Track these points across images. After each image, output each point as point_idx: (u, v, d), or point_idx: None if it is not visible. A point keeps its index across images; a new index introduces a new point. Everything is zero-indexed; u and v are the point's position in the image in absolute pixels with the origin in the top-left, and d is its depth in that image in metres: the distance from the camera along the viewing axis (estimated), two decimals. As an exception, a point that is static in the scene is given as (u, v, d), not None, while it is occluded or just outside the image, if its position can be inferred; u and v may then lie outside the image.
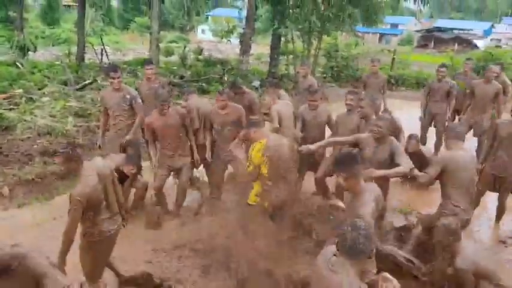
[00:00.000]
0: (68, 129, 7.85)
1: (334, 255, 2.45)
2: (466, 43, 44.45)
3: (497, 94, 6.99)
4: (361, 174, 3.25)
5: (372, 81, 8.01)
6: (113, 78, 5.59)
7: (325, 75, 16.96)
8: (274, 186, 4.11)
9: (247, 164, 4.20)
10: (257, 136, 4.23)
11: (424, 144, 7.37)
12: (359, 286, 2.34)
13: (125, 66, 14.17)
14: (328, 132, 5.94)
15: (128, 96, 5.69)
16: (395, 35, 55.00)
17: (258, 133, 4.26)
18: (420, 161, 4.62)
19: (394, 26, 54.08)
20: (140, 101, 5.81)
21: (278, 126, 5.55)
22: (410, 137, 4.59)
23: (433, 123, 7.76)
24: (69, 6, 52.13)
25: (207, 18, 53.71)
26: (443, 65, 7.69)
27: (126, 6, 52.49)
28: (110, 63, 14.45)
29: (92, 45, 15.97)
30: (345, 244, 2.36)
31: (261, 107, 6.17)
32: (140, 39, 38.08)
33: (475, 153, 6.28)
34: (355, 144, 4.66)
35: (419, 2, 13.77)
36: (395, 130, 5.15)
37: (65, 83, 10.76)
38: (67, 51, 15.56)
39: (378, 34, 49.90)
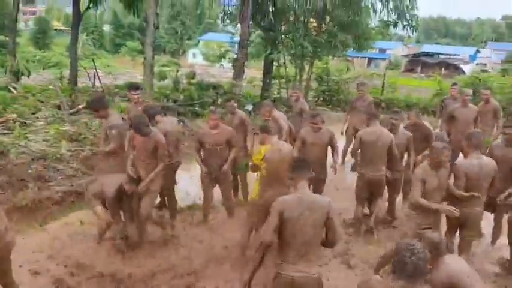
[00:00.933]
0: (62, 154, 7.79)
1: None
2: (452, 68, 45.38)
3: (476, 118, 7.32)
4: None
5: (360, 104, 8.42)
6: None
7: (317, 99, 17.14)
8: (271, 187, 4.67)
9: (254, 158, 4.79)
10: (265, 140, 4.81)
11: None
12: None
13: (116, 90, 14.20)
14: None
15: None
16: (384, 59, 55.97)
17: (267, 138, 4.81)
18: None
19: (382, 50, 55.06)
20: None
21: (284, 126, 6.24)
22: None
23: None
24: (60, 30, 52.46)
25: (198, 42, 54.28)
26: (455, 83, 8.47)
27: (117, 31, 52.93)
28: (102, 87, 14.48)
29: (85, 69, 15.99)
30: (405, 268, 2.53)
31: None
32: (131, 63, 38.29)
33: None
34: None
35: (409, 29, 14.05)
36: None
37: (59, 107, 10.72)
38: (59, 75, 15.56)
39: (367, 58, 50.74)
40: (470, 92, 7.85)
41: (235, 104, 6.92)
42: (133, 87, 6.50)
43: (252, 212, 4.96)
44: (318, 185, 5.86)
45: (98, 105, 5.46)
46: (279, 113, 6.84)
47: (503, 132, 5.56)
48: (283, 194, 4.17)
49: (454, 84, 8.65)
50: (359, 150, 5.84)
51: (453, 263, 3.36)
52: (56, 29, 50.28)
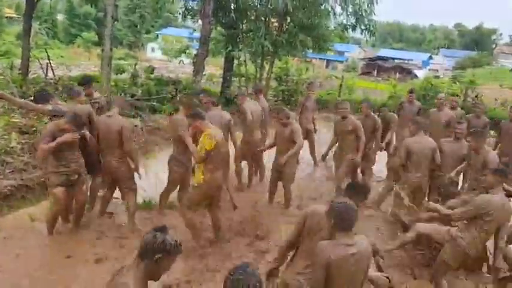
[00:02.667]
0: (12, 147, 7.46)
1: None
2: (406, 72, 46.95)
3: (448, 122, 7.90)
4: None
5: (309, 104, 9.35)
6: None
7: (276, 98, 17.27)
8: (219, 168, 5.18)
9: (199, 149, 5.02)
10: (203, 126, 5.12)
11: None
12: None
13: (71, 82, 13.72)
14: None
15: None
16: (341, 61, 57.20)
17: (204, 124, 5.14)
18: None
19: (340, 53, 56.23)
20: None
21: (251, 118, 7.17)
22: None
23: None
24: (11, 18, 50.08)
25: (157, 36, 53.40)
26: (411, 90, 9.17)
27: (72, 21, 51.15)
28: (56, 78, 13.96)
29: (38, 59, 15.36)
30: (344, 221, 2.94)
31: None
32: (86, 55, 37.15)
33: None
34: None
35: (366, 33, 14.39)
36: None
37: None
38: (10, 65, 14.88)
39: (325, 60, 51.66)
40: (443, 95, 9.04)
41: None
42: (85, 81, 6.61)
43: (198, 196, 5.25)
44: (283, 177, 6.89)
45: (40, 99, 5.67)
46: (251, 101, 7.80)
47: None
48: (224, 178, 5.38)
49: (411, 92, 9.20)
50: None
51: None
52: (6, 17, 47.93)
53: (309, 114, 9.32)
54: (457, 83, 18.18)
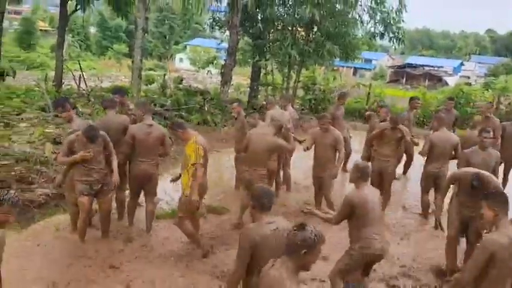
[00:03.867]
0: (46, 156, 7.70)
1: None
2: (436, 79, 46.14)
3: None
4: None
5: (339, 113, 9.02)
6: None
7: (303, 107, 17.24)
8: (204, 176, 5.17)
9: (197, 157, 4.96)
10: (188, 135, 5.17)
11: None
12: None
13: (103, 93, 14.07)
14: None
15: None
16: (369, 69, 56.68)
17: (187, 133, 5.21)
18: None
19: (368, 61, 55.72)
20: None
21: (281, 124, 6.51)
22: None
23: None
24: (45, 31, 51.88)
25: (185, 47, 54.25)
26: (452, 98, 9.47)
27: (104, 33, 52.56)
28: (88, 89, 14.36)
29: (71, 71, 15.85)
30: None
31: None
32: (116, 66, 38.08)
33: None
34: None
35: (395, 41, 14.27)
36: None
37: (43, 109, 10.61)
38: (44, 76, 15.39)
39: (353, 68, 51.28)
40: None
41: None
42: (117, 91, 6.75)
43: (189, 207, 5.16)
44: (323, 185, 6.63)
45: (58, 106, 5.94)
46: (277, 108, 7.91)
47: None
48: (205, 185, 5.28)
49: (451, 99, 9.56)
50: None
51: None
52: (41, 30, 49.72)
53: (341, 122, 9.12)
54: (490, 90, 17.75)
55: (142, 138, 5.68)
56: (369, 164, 5.12)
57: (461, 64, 61.58)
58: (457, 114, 9.32)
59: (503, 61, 59.51)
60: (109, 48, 47.28)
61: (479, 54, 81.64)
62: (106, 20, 51.51)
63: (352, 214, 4.15)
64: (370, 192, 4.30)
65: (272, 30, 14.39)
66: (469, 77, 49.98)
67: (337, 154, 6.52)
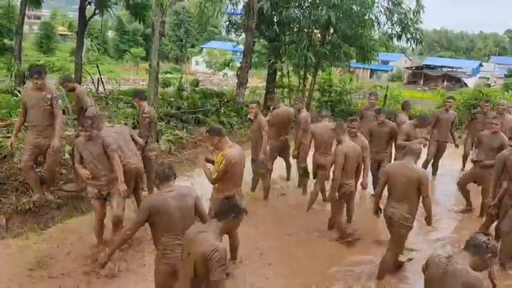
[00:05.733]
0: (65, 159, 7.81)
1: None
2: (454, 81, 45.53)
3: None
4: None
5: (369, 113, 8.71)
6: (36, 79, 5.96)
7: (319, 109, 17.17)
8: (229, 189, 4.75)
9: (215, 171, 4.78)
10: (221, 145, 4.83)
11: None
12: None
13: (121, 96, 14.23)
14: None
15: (49, 96, 6.06)
16: (386, 71, 56.17)
17: (221, 142, 4.84)
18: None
19: (385, 62, 55.23)
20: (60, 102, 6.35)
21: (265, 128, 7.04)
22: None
23: None
24: (64, 35, 52.74)
25: (201, 50, 54.53)
26: (488, 100, 9.69)
27: (121, 37, 53.17)
28: (106, 93, 14.54)
29: (90, 74, 16.07)
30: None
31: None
32: (134, 69, 38.46)
33: None
34: None
35: (412, 42, 14.12)
36: None
37: (63, 112, 10.74)
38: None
39: (369, 70, 50.89)
40: (505, 102, 9.57)
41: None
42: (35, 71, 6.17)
43: None
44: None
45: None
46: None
47: None
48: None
49: (487, 101, 9.74)
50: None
51: None
52: (60, 35, 50.55)
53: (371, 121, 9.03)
54: (509, 91, 17.44)
55: (115, 138, 5.66)
56: None
57: (480, 65, 60.58)
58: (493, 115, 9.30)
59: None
60: (127, 52, 47.75)
61: (498, 55, 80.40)
62: (124, 24, 52.10)
63: None
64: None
65: (288, 32, 14.38)
66: (488, 78, 49.19)
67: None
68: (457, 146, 9.12)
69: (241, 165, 4.95)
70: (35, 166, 6.44)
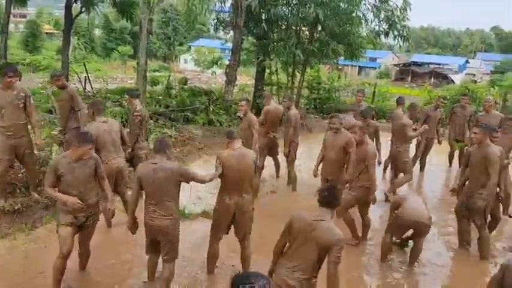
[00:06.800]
0: (53, 158, 7.73)
1: None
2: (441, 77, 45.94)
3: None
4: None
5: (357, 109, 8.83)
6: (11, 77, 5.88)
7: (308, 106, 17.25)
8: (233, 195, 4.67)
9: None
10: (230, 147, 4.73)
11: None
12: None
13: (108, 95, 14.15)
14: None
15: (23, 94, 6.06)
16: (374, 68, 56.52)
17: (228, 144, 4.76)
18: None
19: (373, 59, 55.54)
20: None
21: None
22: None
23: None
24: (51, 33, 52.13)
25: (190, 48, 54.33)
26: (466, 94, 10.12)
27: (109, 35, 52.72)
28: (94, 92, 14.43)
29: (76, 73, 15.94)
30: None
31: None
32: (122, 68, 38.19)
33: None
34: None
35: (399, 39, 14.21)
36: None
37: (50, 111, 10.67)
38: (50, 79, 15.46)
39: (357, 67, 51.09)
40: (491, 98, 9.72)
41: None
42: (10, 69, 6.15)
43: (214, 222, 4.93)
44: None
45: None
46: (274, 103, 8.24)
47: None
48: (240, 203, 4.63)
49: (465, 95, 10.29)
50: None
51: None
52: (47, 33, 49.96)
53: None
54: (495, 87, 17.65)
55: (103, 135, 5.66)
56: None
57: (467, 62, 61.21)
58: (472, 110, 9.61)
59: (509, 58, 59.13)
60: (114, 50, 47.36)
61: (484, 51, 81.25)
62: (111, 22, 51.64)
63: None
64: None
65: (276, 30, 14.38)
66: (474, 75, 49.72)
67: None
68: (440, 142, 9.31)
69: (236, 171, 4.62)
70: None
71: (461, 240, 6.04)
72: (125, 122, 9.75)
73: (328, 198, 3.48)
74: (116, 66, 40.35)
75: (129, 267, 5.16)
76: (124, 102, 11.93)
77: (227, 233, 4.94)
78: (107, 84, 17.38)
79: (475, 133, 5.60)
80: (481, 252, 5.77)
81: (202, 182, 4.64)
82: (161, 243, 4.42)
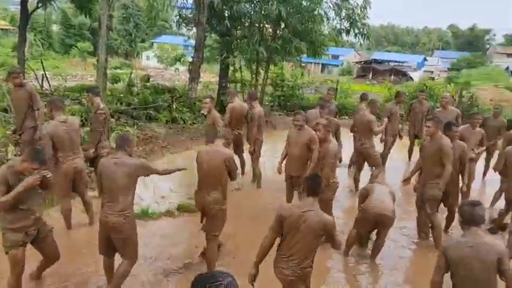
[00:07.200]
0: (8, 159, 7.45)
1: None
2: (401, 74, 47.15)
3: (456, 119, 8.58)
4: None
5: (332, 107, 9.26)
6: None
7: (272, 104, 17.32)
8: (202, 190, 4.88)
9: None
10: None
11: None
12: None
13: (67, 93, 13.72)
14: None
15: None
16: (336, 65, 57.42)
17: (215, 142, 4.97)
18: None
19: (335, 57, 56.40)
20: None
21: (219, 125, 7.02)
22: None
23: None
24: (6, 29, 50.10)
25: (152, 44, 53.52)
26: (423, 90, 10.51)
27: (67, 31, 51.18)
28: (52, 89, 13.96)
29: (33, 70, 15.36)
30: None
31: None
32: (82, 65, 37.18)
33: None
34: None
35: (360, 37, 14.47)
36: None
37: (5, 110, 10.25)
38: (5, 76, 14.85)
39: (320, 64, 51.80)
40: (448, 95, 10.32)
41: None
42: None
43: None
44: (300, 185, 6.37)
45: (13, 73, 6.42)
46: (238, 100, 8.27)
47: None
48: (206, 200, 4.83)
49: (422, 91, 10.89)
50: None
51: None
52: (2, 29, 47.98)
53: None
54: (452, 84, 18.27)
55: (61, 135, 5.53)
56: None
57: (425, 59, 63.14)
58: (430, 106, 10.03)
59: (465, 56, 61.35)
60: (73, 47, 46.01)
61: (442, 49, 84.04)
62: (69, 18, 50.13)
63: None
64: None
65: (239, 27, 14.35)
66: (432, 72, 51.29)
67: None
68: (400, 137, 9.66)
69: (205, 168, 4.75)
70: None
71: (420, 231, 6.25)
72: (84, 121, 9.51)
73: (313, 186, 3.66)
74: (75, 63, 39.22)
75: (93, 270, 5.01)
76: (84, 100, 11.63)
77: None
78: (66, 81, 16.81)
79: (428, 126, 5.84)
80: (435, 241, 5.97)
81: (163, 174, 5.00)
82: (116, 244, 4.29)
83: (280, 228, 3.67)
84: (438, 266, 3.45)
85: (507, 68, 50.74)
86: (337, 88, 18.39)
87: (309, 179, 3.78)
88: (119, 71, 26.01)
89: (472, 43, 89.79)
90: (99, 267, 4.77)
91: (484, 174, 9.24)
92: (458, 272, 3.31)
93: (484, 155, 8.61)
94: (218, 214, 4.88)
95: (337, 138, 7.79)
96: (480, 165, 8.57)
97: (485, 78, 36.10)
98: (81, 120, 9.53)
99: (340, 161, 8.17)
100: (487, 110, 14.49)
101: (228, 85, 15.41)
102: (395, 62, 55.38)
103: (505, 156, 6.44)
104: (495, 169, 6.80)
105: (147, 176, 4.60)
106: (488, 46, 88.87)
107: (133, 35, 52.75)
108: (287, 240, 3.65)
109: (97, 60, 11.22)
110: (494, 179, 7.69)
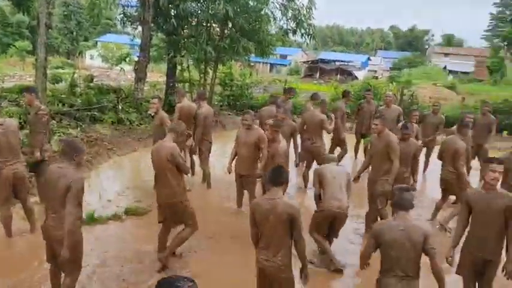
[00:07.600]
0: None
1: None
2: (347, 74, 48.41)
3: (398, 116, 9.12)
4: None
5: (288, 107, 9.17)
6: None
7: (221, 103, 17.26)
8: (158, 186, 5.07)
9: None
10: None
11: None
12: None
13: (5, 94, 13.02)
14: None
15: None
16: (285, 65, 58.12)
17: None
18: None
19: (283, 56, 57.08)
20: None
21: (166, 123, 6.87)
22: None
23: None
24: None
25: (96, 43, 51.89)
26: (369, 89, 10.92)
27: (4, 30, 48.62)
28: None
29: (-34, 71, 14.48)
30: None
31: None
32: (20, 64, 35.45)
33: None
34: None
35: (306, 37, 14.70)
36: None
37: None
38: None
39: (269, 64, 52.20)
40: (391, 93, 10.57)
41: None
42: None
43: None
44: (250, 184, 6.52)
45: None
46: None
47: None
48: (162, 194, 4.94)
49: (369, 90, 11.12)
50: None
51: None
52: None
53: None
54: (394, 83, 18.96)
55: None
56: None
57: (369, 59, 65.23)
58: (376, 105, 10.52)
59: (405, 55, 63.96)
60: (11, 46, 43.76)
61: (384, 49, 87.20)
62: (6, 16, 47.66)
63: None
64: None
65: (186, 26, 14.16)
66: (375, 71, 53.10)
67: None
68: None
69: (155, 164, 4.98)
70: None
71: (368, 226, 6.37)
72: (23, 123, 9.04)
73: (277, 177, 3.75)
74: (13, 62, 37.32)
75: (36, 280, 4.76)
76: (22, 101, 11.06)
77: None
78: (3, 82, 15.96)
79: (375, 124, 6.02)
80: None
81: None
82: (58, 253, 3.96)
83: (256, 222, 3.79)
84: (368, 245, 3.72)
85: (445, 67, 53.43)
86: (285, 88, 18.60)
87: (273, 171, 3.86)
88: (60, 70, 25.00)
89: (412, 43, 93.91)
90: (41, 277, 4.55)
91: (425, 168, 9.65)
92: (390, 252, 3.51)
93: (424, 150, 9.07)
94: (178, 207, 4.96)
95: (294, 140, 7.86)
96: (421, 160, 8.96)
97: (425, 77, 37.91)
98: (20, 123, 9.07)
99: (297, 165, 8.34)
100: (427, 108, 15.15)
101: (176, 85, 15.17)
102: (341, 61, 56.83)
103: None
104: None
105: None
106: (427, 46, 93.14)
107: (75, 33, 50.94)
108: (261, 231, 3.77)
109: (36, 60, 10.72)
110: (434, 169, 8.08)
